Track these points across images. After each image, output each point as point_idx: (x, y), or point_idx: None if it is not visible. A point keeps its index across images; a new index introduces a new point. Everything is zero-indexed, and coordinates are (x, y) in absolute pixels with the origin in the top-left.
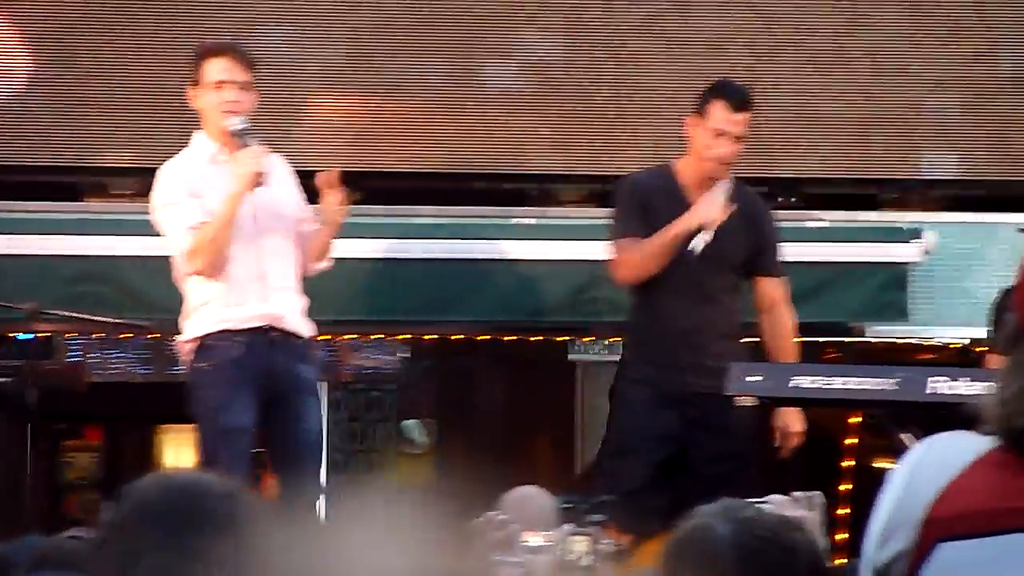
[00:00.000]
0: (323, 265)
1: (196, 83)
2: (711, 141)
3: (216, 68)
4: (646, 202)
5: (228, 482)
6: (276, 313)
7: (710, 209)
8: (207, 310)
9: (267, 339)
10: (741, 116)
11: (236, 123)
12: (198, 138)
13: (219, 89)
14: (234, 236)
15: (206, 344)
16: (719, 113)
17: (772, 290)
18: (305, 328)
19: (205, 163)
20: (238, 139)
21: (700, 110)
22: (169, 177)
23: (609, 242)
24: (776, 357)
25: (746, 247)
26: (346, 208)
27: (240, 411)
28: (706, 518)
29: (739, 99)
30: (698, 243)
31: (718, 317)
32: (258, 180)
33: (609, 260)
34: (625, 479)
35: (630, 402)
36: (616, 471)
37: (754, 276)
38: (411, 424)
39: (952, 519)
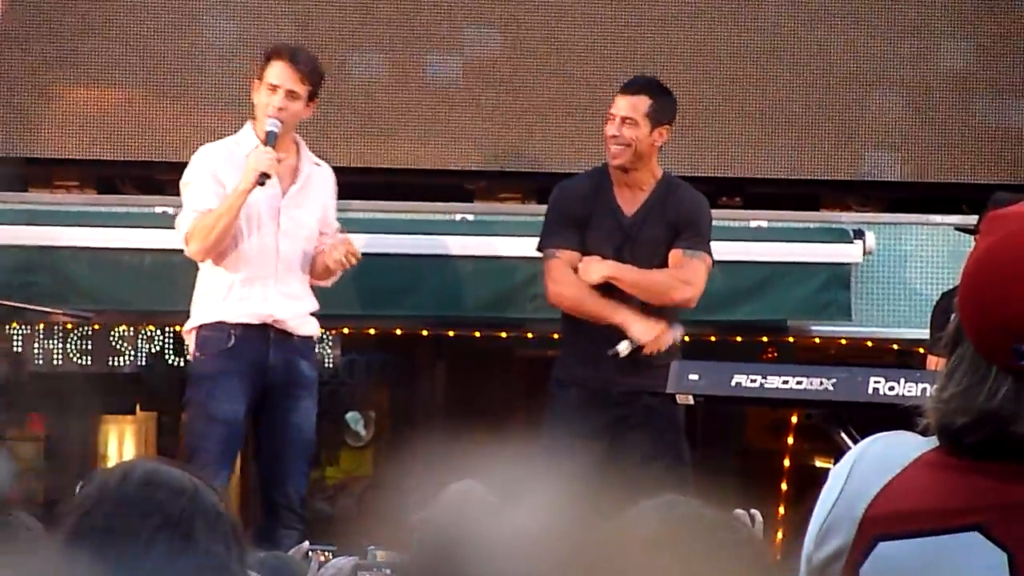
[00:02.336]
0: (322, 283)
1: (257, 77)
2: (606, 127)
3: (273, 71)
4: (574, 209)
5: (194, 478)
6: (277, 316)
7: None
8: (208, 300)
9: (263, 334)
10: (623, 100)
11: (268, 125)
12: (246, 129)
13: (271, 92)
14: (253, 237)
15: (202, 334)
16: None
17: (676, 260)
18: (308, 329)
19: (242, 154)
20: (266, 140)
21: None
22: (198, 158)
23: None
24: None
25: (669, 242)
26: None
27: (228, 401)
28: (644, 511)
29: (626, 84)
30: (622, 348)
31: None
32: (259, 179)
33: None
34: (557, 477)
35: (559, 402)
36: (547, 470)
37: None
38: (353, 416)
39: (890, 518)
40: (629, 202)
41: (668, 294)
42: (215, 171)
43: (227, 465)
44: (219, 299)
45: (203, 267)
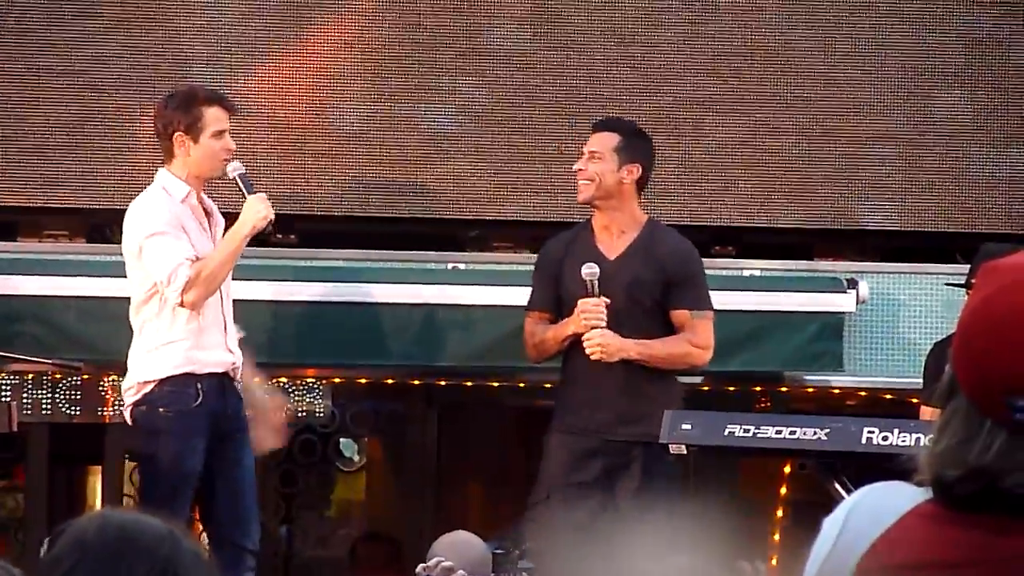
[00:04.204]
0: None
1: (186, 127)
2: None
3: (215, 116)
4: (549, 266)
5: (167, 523)
6: (235, 361)
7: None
8: (172, 350)
9: (222, 382)
10: (593, 136)
11: (238, 168)
12: (166, 177)
13: (219, 137)
14: None
15: (168, 388)
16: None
17: (682, 321)
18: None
19: (177, 203)
20: (240, 183)
21: None
22: (154, 210)
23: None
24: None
25: (657, 287)
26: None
27: (195, 457)
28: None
29: (597, 121)
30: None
31: (640, 364)
32: (266, 225)
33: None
34: (550, 527)
35: (554, 450)
36: (541, 519)
37: (668, 311)
38: (347, 443)
39: (883, 571)
40: (611, 247)
41: (687, 362)
42: (176, 222)
43: (185, 518)
44: (184, 348)
45: (159, 317)
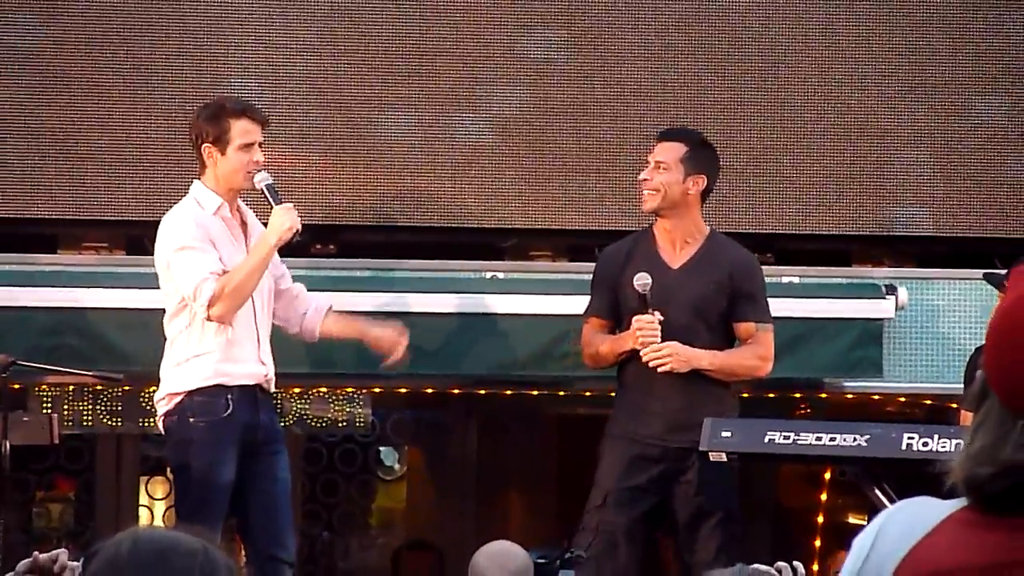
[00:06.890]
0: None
1: (214, 139)
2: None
3: (243, 128)
4: (608, 273)
5: (200, 539)
6: (267, 374)
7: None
8: (201, 362)
9: (253, 394)
10: (659, 145)
11: (265, 179)
12: (199, 189)
13: (247, 150)
14: None
15: (198, 398)
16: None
17: (749, 333)
18: (273, 384)
19: (209, 215)
20: (267, 194)
21: None
22: (184, 222)
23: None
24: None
25: (723, 299)
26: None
27: (227, 467)
28: None
29: (664, 131)
30: (643, 283)
31: (696, 371)
32: (292, 236)
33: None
34: (604, 532)
35: (610, 455)
36: (595, 525)
37: (731, 322)
38: (387, 451)
39: None
40: (673, 257)
41: (752, 374)
42: (206, 235)
43: (218, 530)
44: (214, 360)
45: (189, 330)
